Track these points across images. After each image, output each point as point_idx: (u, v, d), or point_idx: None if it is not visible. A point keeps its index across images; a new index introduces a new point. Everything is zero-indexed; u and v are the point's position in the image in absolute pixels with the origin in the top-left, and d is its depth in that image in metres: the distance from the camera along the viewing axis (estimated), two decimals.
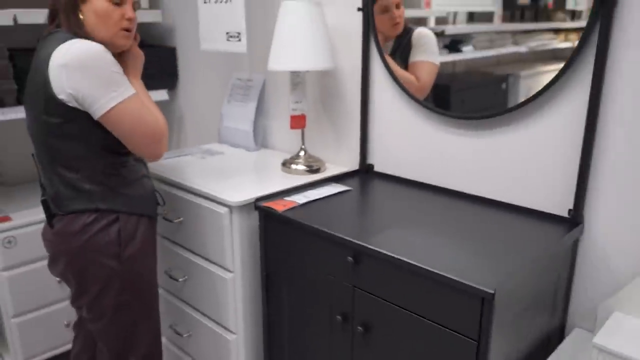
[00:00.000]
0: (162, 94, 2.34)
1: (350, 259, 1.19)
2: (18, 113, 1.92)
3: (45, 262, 2.03)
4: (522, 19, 1.51)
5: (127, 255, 1.39)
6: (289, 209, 1.36)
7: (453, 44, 1.65)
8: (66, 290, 2.12)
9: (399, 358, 1.15)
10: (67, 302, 2.14)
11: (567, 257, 1.26)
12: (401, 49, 1.60)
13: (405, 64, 1.58)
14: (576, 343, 1.24)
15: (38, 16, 1.89)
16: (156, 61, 2.29)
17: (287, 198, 1.45)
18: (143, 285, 1.45)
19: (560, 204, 1.29)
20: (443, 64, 1.61)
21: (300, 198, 1.45)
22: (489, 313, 0.97)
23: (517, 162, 1.36)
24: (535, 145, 1.31)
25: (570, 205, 1.27)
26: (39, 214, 2.01)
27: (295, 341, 1.43)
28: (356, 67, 1.66)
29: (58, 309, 2.13)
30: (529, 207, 1.35)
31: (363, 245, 1.15)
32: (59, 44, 1.23)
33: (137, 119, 1.29)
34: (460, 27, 1.64)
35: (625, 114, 1.15)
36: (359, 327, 1.21)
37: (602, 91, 1.18)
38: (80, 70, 1.21)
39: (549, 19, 1.37)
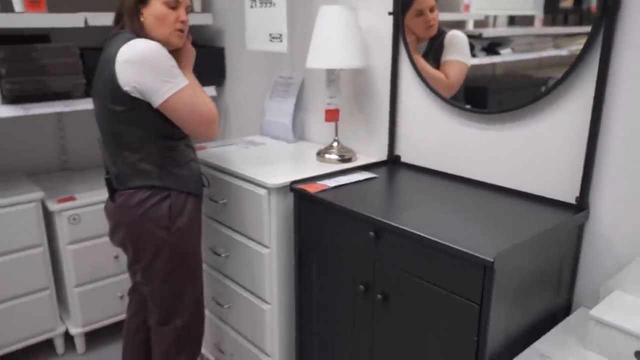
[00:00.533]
0: (210, 90, 2.56)
1: (372, 234, 1.34)
2: (85, 105, 2.17)
3: (104, 239, 2.28)
4: (565, 22, 1.59)
5: (176, 228, 1.58)
6: (320, 191, 1.53)
7: (491, 46, 1.75)
8: (121, 265, 2.36)
9: (413, 322, 1.30)
10: (121, 276, 2.38)
11: (573, 240, 1.37)
12: (434, 50, 1.72)
13: (437, 64, 1.71)
14: (579, 319, 1.35)
15: (106, 19, 2.13)
16: (206, 60, 2.50)
17: (319, 182, 1.61)
18: (189, 255, 1.65)
19: (568, 192, 1.40)
20: (482, 66, 1.71)
21: (331, 182, 1.61)
22: (490, 279, 1.10)
23: (529, 153, 1.48)
24: (545, 138, 1.43)
25: (577, 192, 1.38)
26: (100, 195, 2.26)
27: (322, 309, 1.60)
28: (386, 66, 1.81)
29: (113, 282, 2.36)
30: (539, 194, 1.47)
31: (383, 222, 1.30)
32: (123, 43, 1.44)
33: (192, 106, 1.49)
34: (499, 30, 1.74)
35: (627, 109, 1.26)
36: (379, 295, 1.36)
37: (606, 87, 1.29)
38: (141, 65, 1.41)
39: (592, 22, 1.38)
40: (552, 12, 1.51)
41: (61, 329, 2.34)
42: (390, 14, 1.73)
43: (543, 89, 1.47)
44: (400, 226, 1.27)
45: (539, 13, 1.54)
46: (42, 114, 2.39)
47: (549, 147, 1.43)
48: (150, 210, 1.55)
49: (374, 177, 1.68)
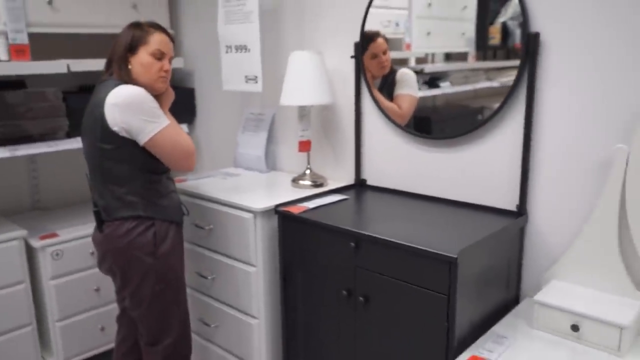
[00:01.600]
0: (183, 128, 2.73)
1: (352, 244, 1.57)
2: (68, 145, 2.29)
3: (85, 273, 2.38)
4: (494, 57, 1.83)
5: (160, 253, 1.73)
6: (303, 212, 1.75)
7: (432, 80, 2.04)
8: (102, 298, 2.45)
9: (391, 317, 1.52)
10: (102, 308, 2.46)
11: (516, 240, 1.65)
12: (387, 85, 2.00)
13: (390, 97, 1.99)
14: (526, 307, 1.61)
15: (86, 65, 2.29)
16: (178, 100, 2.67)
17: (299, 204, 1.83)
18: (173, 277, 1.80)
19: (509, 201, 1.69)
20: (424, 98, 1.99)
21: (310, 204, 1.83)
22: (455, 273, 1.35)
23: (474, 171, 1.76)
24: (487, 157, 1.72)
25: (517, 201, 1.67)
26: (80, 231, 2.36)
27: (308, 318, 1.79)
28: (350, 101, 2.08)
29: (95, 314, 2.45)
30: (485, 204, 1.75)
31: (362, 233, 1.53)
32: (111, 89, 1.63)
33: (174, 142, 1.68)
34: (438, 66, 2.03)
35: (551, 131, 1.57)
36: (361, 298, 1.57)
37: (532, 114, 1.60)
38: (128, 107, 1.60)
39: (517, 57, 1.62)
40: (483, 49, 1.77)
41: None
42: (352, 57, 2.00)
43: (479, 117, 1.76)
44: (376, 235, 1.50)
45: (471, 50, 1.79)
46: (25, 154, 2.46)
47: (490, 165, 1.72)
48: (136, 239, 1.70)
49: (346, 199, 1.92)
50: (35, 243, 2.25)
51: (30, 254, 2.31)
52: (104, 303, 2.46)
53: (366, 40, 1.96)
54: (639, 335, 1.40)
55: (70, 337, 2.38)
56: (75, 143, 2.31)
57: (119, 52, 1.70)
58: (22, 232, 2.24)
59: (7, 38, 2.11)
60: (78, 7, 2.32)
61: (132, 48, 1.69)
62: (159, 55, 1.70)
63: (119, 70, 1.70)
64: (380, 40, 1.93)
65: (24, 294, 2.27)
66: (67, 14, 2.30)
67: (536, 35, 1.54)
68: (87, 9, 2.36)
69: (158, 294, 1.77)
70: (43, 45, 2.28)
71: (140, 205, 1.71)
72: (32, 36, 2.18)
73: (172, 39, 1.77)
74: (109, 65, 1.75)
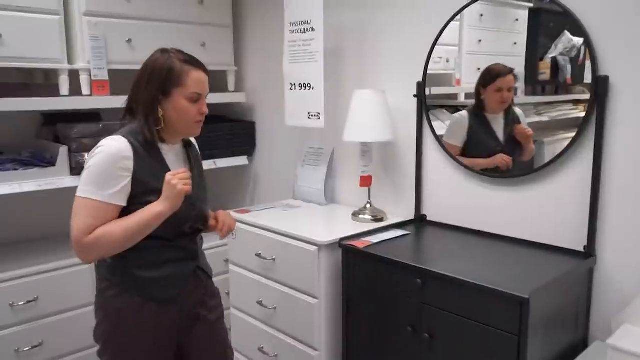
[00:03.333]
0: (242, 160, 2.84)
1: (418, 280, 1.59)
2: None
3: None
4: (543, 92, 1.86)
5: (121, 332, 1.47)
6: (367, 246, 1.78)
7: None
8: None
9: (457, 357, 1.52)
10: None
11: (585, 282, 1.64)
12: (510, 121, 1.89)
13: (511, 130, 1.87)
14: (596, 351, 1.59)
15: None
16: (239, 133, 2.80)
17: (363, 239, 1.87)
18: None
19: (577, 241, 1.68)
20: None
21: (373, 239, 1.87)
22: (526, 313, 1.35)
23: (542, 210, 1.76)
24: (555, 197, 1.73)
25: (585, 242, 1.66)
26: None
27: (371, 352, 1.80)
28: (411, 138, 2.12)
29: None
30: (551, 244, 1.74)
31: (429, 270, 1.56)
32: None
33: (72, 216, 1.38)
34: None
35: (620, 173, 1.57)
36: (426, 335, 1.59)
37: (602, 155, 1.60)
38: (90, 156, 1.40)
39: (568, 92, 1.68)
40: (532, 84, 1.82)
41: None
42: (415, 96, 2.06)
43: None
44: (444, 273, 1.52)
45: (521, 85, 1.83)
46: None
47: (557, 204, 1.72)
48: (106, 303, 1.49)
49: (407, 234, 1.94)
50: None
51: None
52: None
53: (495, 74, 1.87)
54: None
55: None
56: None
57: (146, 95, 1.44)
58: None
59: (90, 75, 2.27)
60: (154, 45, 2.47)
61: (165, 91, 1.43)
62: (197, 98, 1.46)
63: (145, 116, 1.43)
64: (510, 77, 1.86)
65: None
66: (144, 51, 2.45)
67: (605, 79, 1.56)
68: (161, 46, 2.50)
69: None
70: (120, 80, 2.44)
71: (111, 268, 1.48)
72: (111, 72, 2.33)
73: (208, 74, 1.51)
74: (130, 108, 1.50)
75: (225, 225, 1.61)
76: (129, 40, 2.39)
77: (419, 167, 2.11)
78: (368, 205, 2.16)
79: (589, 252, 1.64)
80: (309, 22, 2.22)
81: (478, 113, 1.95)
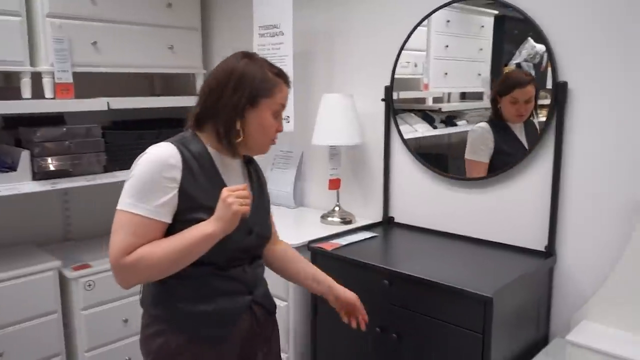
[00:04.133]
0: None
1: (386, 282, 1.61)
2: (105, 179, 2.38)
3: (114, 304, 2.43)
4: None
5: None
6: (336, 248, 1.80)
7: (449, 119, 2.13)
8: (130, 328, 2.48)
9: (424, 355, 1.55)
10: (130, 339, 2.49)
11: (546, 280, 1.69)
12: (531, 131, 1.76)
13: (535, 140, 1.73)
14: (556, 347, 1.64)
15: (125, 103, 2.40)
16: None
17: (331, 241, 1.88)
18: None
19: (538, 242, 1.74)
20: (441, 137, 2.06)
21: (341, 241, 1.89)
22: (490, 312, 1.39)
23: (505, 212, 1.82)
24: (518, 199, 1.78)
25: (546, 242, 1.71)
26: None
27: (339, 354, 1.82)
28: (379, 142, 2.15)
29: (122, 345, 2.48)
30: (515, 244, 1.79)
31: (396, 271, 1.58)
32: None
33: (113, 232, 1.20)
34: (454, 105, 2.12)
35: (578, 175, 1.63)
36: (394, 335, 1.61)
37: (562, 158, 1.66)
38: (135, 164, 1.22)
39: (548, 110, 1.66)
40: None
41: None
42: (382, 100, 2.09)
43: None
44: (411, 274, 1.55)
45: (486, 89, 1.87)
46: (65, 188, 2.53)
47: (519, 205, 1.78)
48: (147, 341, 1.32)
49: (375, 236, 1.97)
50: (69, 274, 2.31)
51: (63, 284, 2.37)
52: (131, 334, 2.50)
53: (512, 83, 1.77)
54: None
55: None
56: (112, 177, 2.39)
57: (232, 102, 1.22)
58: (56, 263, 2.30)
59: (53, 77, 2.22)
60: (120, 48, 2.45)
61: (253, 101, 1.24)
62: (280, 113, 1.30)
63: (226, 126, 1.23)
64: (530, 88, 1.73)
65: (55, 324, 2.31)
66: (110, 54, 2.42)
67: (564, 85, 1.62)
68: (128, 49, 2.48)
69: None
70: (85, 83, 2.40)
71: (153, 300, 1.30)
72: (76, 75, 2.29)
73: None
74: (201, 115, 1.27)
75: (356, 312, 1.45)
76: (95, 43, 2.35)
77: (387, 170, 2.14)
78: (337, 208, 2.18)
79: (550, 251, 1.70)
80: (278, 25, 2.23)
81: (499, 123, 1.81)
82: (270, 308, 1.45)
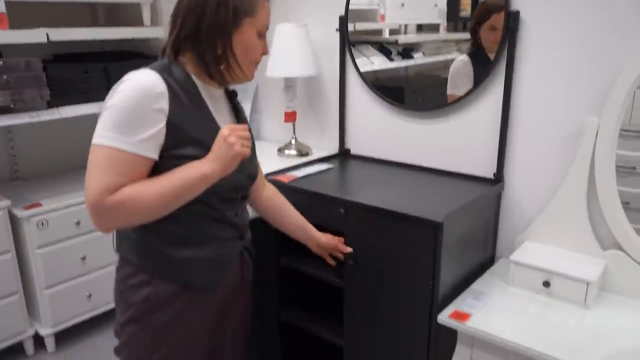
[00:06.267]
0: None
1: (341, 210, 1.66)
2: (49, 115, 2.28)
3: (70, 242, 2.40)
4: (464, 29, 1.87)
5: (151, 322, 1.20)
6: (292, 180, 1.82)
7: (405, 51, 2.12)
8: (88, 266, 2.48)
9: (379, 279, 1.62)
10: (88, 276, 2.49)
11: (493, 206, 1.78)
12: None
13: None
14: (501, 267, 1.75)
15: (66, 34, 2.26)
16: None
17: (288, 173, 1.90)
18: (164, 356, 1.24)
19: (487, 169, 1.81)
20: (397, 69, 2.06)
21: (298, 173, 1.90)
22: (440, 237, 1.46)
23: (457, 141, 1.87)
24: (469, 128, 1.83)
25: (494, 169, 1.78)
26: (64, 201, 2.36)
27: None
28: (335, 73, 2.13)
29: (82, 282, 2.48)
30: (466, 173, 1.86)
31: (351, 200, 1.62)
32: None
33: (90, 170, 1.05)
34: (411, 37, 2.11)
35: (527, 105, 1.68)
36: (350, 262, 1.67)
37: (512, 87, 1.70)
38: (113, 92, 1.08)
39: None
40: (454, 21, 1.84)
41: (30, 331, 2.42)
42: (337, 30, 2.05)
43: None
44: (365, 202, 1.59)
45: (442, 21, 1.86)
46: (5, 125, 2.42)
47: (470, 135, 1.83)
48: (129, 292, 1.21)
49: (331, 168, 2.00)
50: (20, 213, 2.26)
51: (14, 224, 2.31)
52: (89, 270, 2.50)
53: (491, 7, 1.70)
54: (602, 290, 1.56)
55: (57, 305, 2.42)
56: (57, 113, 2.30)
57: (215, 23, 1.12)
58: (6, 203, 2.24)
59: None
60: None
61: (237, 21, 1.13)
62: (264, 33, 1.21)
63: (212, 50, 1.13)
64: (503, 13, 1.66)
65: (10, 263, 2.29)
66: None
67: (516, 14, 1.63)
68: None
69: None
70: (21, 12, 2.24)
71: (135, 248, 1.19)
72: (9, 4, 2.13)
73: None
74: (179, 42, 1.16)
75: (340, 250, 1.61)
76: None
77: (343, 102, 2.13)
78: (293, 141, 2.18)
79: (498, 178, 1.77)
80: None
81: (478, 53, 1.77)
82: (253, 255, 1.42)
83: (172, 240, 1.18)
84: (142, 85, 1.06)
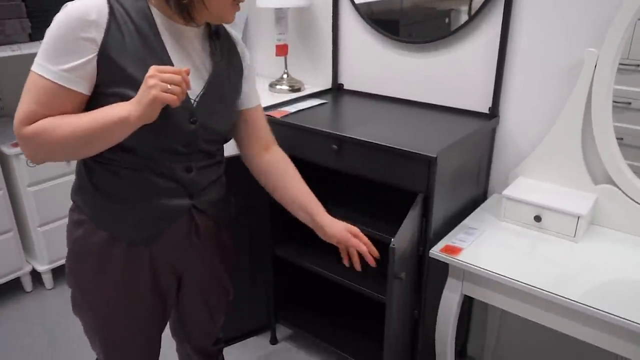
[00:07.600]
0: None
1: (335, 146, 1.64)
2: (31, 49, 2.20)
3: (61, 179, 2.39)
4: None
5: (76, 269, 1.18)
6: (285, 116, 1.78)
7: None
8: None
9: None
10: None
11: (487, 141, 1.76)
12: None
13: None
14: (494, 202, 1.76)
15: None
16: None
17: (280, 109, 1.86)
18: (88, 309, 1.22)
19: (482, 104, 1.78)
20: (392, 1, 1.97)
21: (290, 108, 1.86)
22: (434, 171, 1.45)
23: (452, 75, 1.82)
24: (465, 62, 1.78)
25: (490, 104, 1.75)
26: None
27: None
28: (328, 3, 2.05)
29: None
30: (460, 107, 1.83)
31: (344, 136, 1.60)
32: None
33: (22, 95, 1.01)
34: None
35: (525, 39, 1.63)
36: (398, 277, 1.67)
37: (510, 20, 1.64)
38: (54, 17, 1.00)
39: None
40: None
41: (28, 268, 2.45)
42: None
43: (447, 19, 1.78)
44: (358, 137, 1.57)
45: None
46: None
47: (465, 68, 1.78)
48: (69, 227, 1.20)
49: (324, 103, 1.96)
50: (8, 150, 2.22)
51: (4, 161, 2.29)
52: None
53: None
54: (593, 224, 1.58)
55: (53, 241, 2.44)
56: (39, 46, 2.21)
57: None
58: None
59: None
60: None
61: None
62: None
63: None
64: None
65: (2, 200, 2.28)
66: None
67: None
68: None
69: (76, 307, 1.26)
70: None
71: (76, 187, 1.18)
72: None
73: None
74: None
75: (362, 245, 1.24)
76: None
77: (336, 35, 2.06)
78: (285, 76, 2.13)
79: (493, 112, 1.74)
80: None
81: None
82: (218, 220, 1.28)
83: (104, 187, 1.11)
84: (73, 11, 0.97)
